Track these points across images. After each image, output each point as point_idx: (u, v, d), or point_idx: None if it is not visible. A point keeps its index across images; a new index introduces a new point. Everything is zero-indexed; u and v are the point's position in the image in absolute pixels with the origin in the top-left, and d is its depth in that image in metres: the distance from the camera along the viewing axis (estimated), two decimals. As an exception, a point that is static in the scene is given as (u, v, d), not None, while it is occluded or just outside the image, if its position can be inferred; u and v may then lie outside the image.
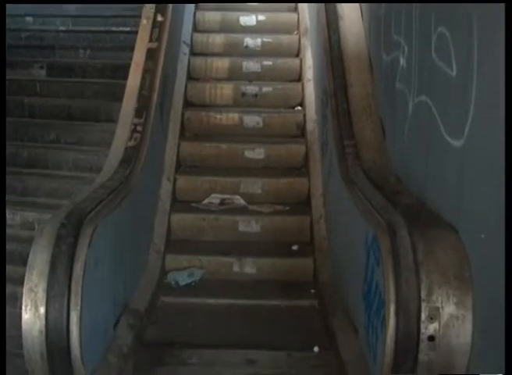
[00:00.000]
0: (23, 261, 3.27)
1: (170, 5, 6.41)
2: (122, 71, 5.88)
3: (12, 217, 5.65)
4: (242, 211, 6.03)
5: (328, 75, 5.51)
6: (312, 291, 5.31)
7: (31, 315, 3.14)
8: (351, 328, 4.02)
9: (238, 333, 4.66)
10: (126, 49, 6.37)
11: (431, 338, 2.98)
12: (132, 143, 4.88)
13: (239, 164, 6.52)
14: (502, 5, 2.56)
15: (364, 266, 3.63)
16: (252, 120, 6.88)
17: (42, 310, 3.13)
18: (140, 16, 6.28)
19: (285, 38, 7.85)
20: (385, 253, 3.13)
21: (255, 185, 6.24)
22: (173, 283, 5.40)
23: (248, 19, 8.04)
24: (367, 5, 5.49)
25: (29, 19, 7.96)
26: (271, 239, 5.82)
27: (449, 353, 3.00)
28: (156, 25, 6.07)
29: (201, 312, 4.99)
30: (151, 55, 5.75)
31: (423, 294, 2.97)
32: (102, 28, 7.81)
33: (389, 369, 3.03)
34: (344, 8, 5.78)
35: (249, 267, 5.53)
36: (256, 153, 6.55)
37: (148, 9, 6.20)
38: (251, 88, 7.22)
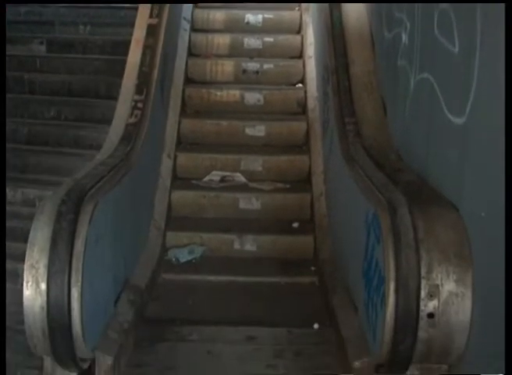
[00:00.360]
0: (24, 237, 3.27)
1: (171, -19, 6.36)
2: (123, 47, 5.84)
3: (13, 194, 5.66)
4: (242, 188, 6.03)
5: (329, 52, 5.48)
6: (312, 268, 5.33)
7: (32, 291, 3.15)
8: (351, 305, 4.04)
9: (238, 310, 4.68)
10: (127, 25, 6.32)
11: (430, 315, 3.00)
12: (132, 120, 4.87)
13: (239, 141, 6.51)
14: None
15: (365, 244, 3.64)
16: (253, 97, 6.86)
17: (43, 286, 3.13)
18: (140, -8, 6.23)
19: (286, 14, 7.80)
20: (386, 231, 3.14)
21: (256, 162, 6.23)
22: (174, 260, 5.41)
23: (249, -5, 7.98)
24: (369, -19, 5.45)
25: (28, -7, 7.90)
26: (271, 216, 5.83)
27: (449, 330, 3.02)
28: (157, 1, 6.03)
29: (202, 288, 5.01)
30: (152, 31, 5.72)
31: (423, 272, 2.98)
32: (102, 3, 7.74)
33: (388, 346, 3.05)
34: (346, -15, 5.74)
35: (249, 244, 5.54)
36: (257, 130, 6.53)
37: (149, -15, 6.15)
38: (252, 65, 7.18)
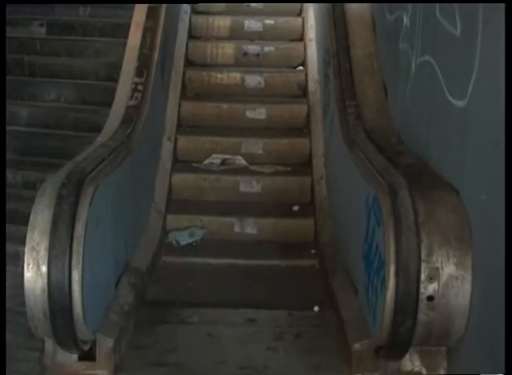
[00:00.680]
0: (25, 220, 3.27)
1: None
2: (123, 30, 5.82)
3: (13, 177, 5.66)
4: (243, 171, 6.03)
5: (330, 34, 5.46)
6: (313, 251, 5.34)
7: (33, 273, 3.16)
8: (351, 288, 4.05)
9: (238, 292, 4.70)
10: (127, 7, 6.29)
11: (430, 298, 3.01)
12: (133, 102, 4.85)
13: (240, 124, 6.50)
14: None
15: (365, 227, 3.64)
16: (254, 80, 6.84)
17: (44, 269, 3.14)
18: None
19: (287, -3, 7.76)
20: (386, 214, 3.14)
21: (256, 145, 6.22)
22: (174, 242, 5.42)
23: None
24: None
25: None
26: (272, 199, 5.83)
27: (448, 313, 3.03)
28: (157, -18, 5.99)
29: (202, 271, 5.02)
30: (152, 13, 5.68)
31: (423, 255, 2.99)
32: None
33: (388, 329, 3.06)
34: (347, -34, 5.69)
35: (250, 227, 5.55)
36: (257, 113, 6.52)
37: (149, -33, 6.10)
38: (253, 48, 7.16)
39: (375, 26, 5.15)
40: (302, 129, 6.50)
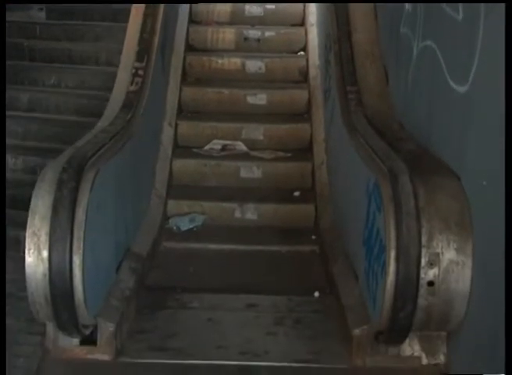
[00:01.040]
0: (26, 205, 3.27)
1: None
2: (124, 14, 5.79)
3: (14, 161, 5.65)
4: (244, 157, 6.03)
5: (331, 20, 5.44)
6: (313, 236, 5.34)
7: (34, 258, 3.17)
8: (351, 274, 4.05)
9: (239, 278, 4.70)
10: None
11: (430, 283, 3.02)
12: (133, 87, 4.84)
13: (241, 110, 6.48)
14: None
15: (365, 213, 3.65)
16: (254, 65, 6.81)
17: (45, 254, 3.15)
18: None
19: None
20: (387, 199, 3.14)
21: (257, 131, 6.21)
22: (175, 228, 5.43)
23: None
24: None
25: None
26: (272, 185, 5.83)
27: (448, 298, 3.04)
28: (157, -34, 5.96)
29: (203, 257, 5.03)
30: (153, -3, 5.66)
31: (423, 240, 2.99)
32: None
33: (388, 314, 3.07)
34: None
35: (250, 213, 5.55)
36: (258, 99, 6.50)
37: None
38: (254, 33, 7.13)
39: (377, 11, 5.13)
40: (303, 114, 6.48)
